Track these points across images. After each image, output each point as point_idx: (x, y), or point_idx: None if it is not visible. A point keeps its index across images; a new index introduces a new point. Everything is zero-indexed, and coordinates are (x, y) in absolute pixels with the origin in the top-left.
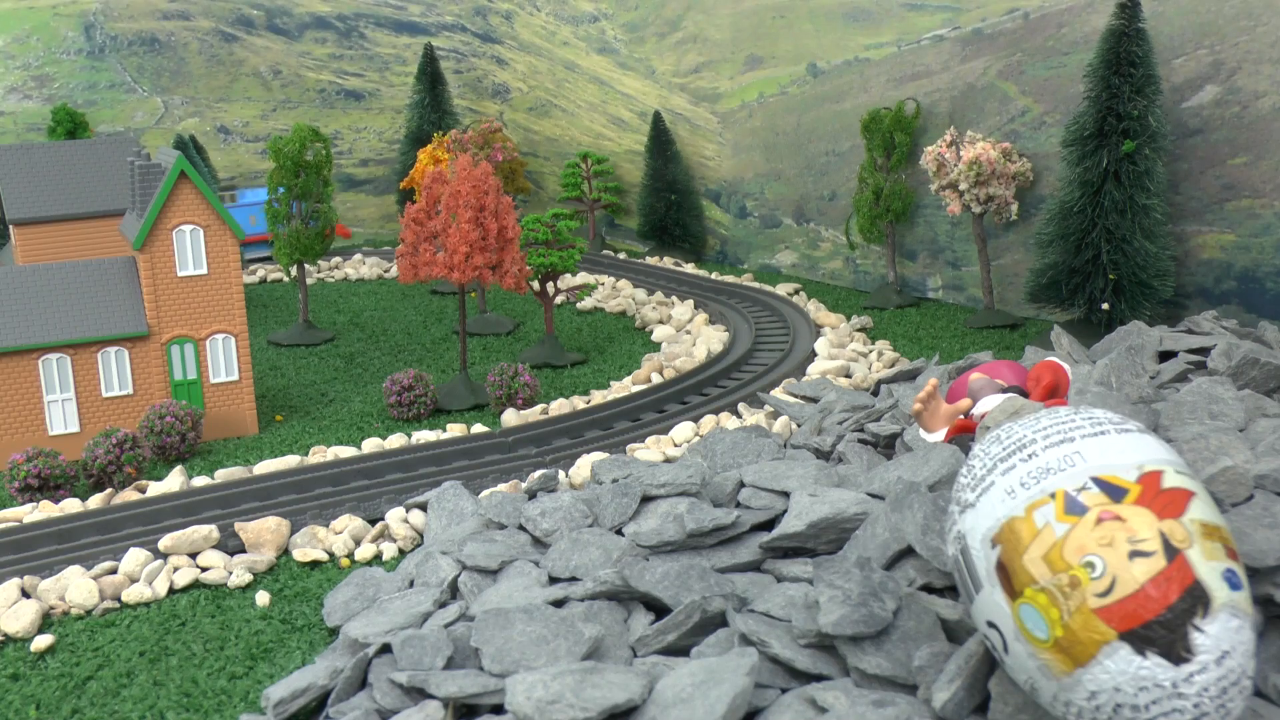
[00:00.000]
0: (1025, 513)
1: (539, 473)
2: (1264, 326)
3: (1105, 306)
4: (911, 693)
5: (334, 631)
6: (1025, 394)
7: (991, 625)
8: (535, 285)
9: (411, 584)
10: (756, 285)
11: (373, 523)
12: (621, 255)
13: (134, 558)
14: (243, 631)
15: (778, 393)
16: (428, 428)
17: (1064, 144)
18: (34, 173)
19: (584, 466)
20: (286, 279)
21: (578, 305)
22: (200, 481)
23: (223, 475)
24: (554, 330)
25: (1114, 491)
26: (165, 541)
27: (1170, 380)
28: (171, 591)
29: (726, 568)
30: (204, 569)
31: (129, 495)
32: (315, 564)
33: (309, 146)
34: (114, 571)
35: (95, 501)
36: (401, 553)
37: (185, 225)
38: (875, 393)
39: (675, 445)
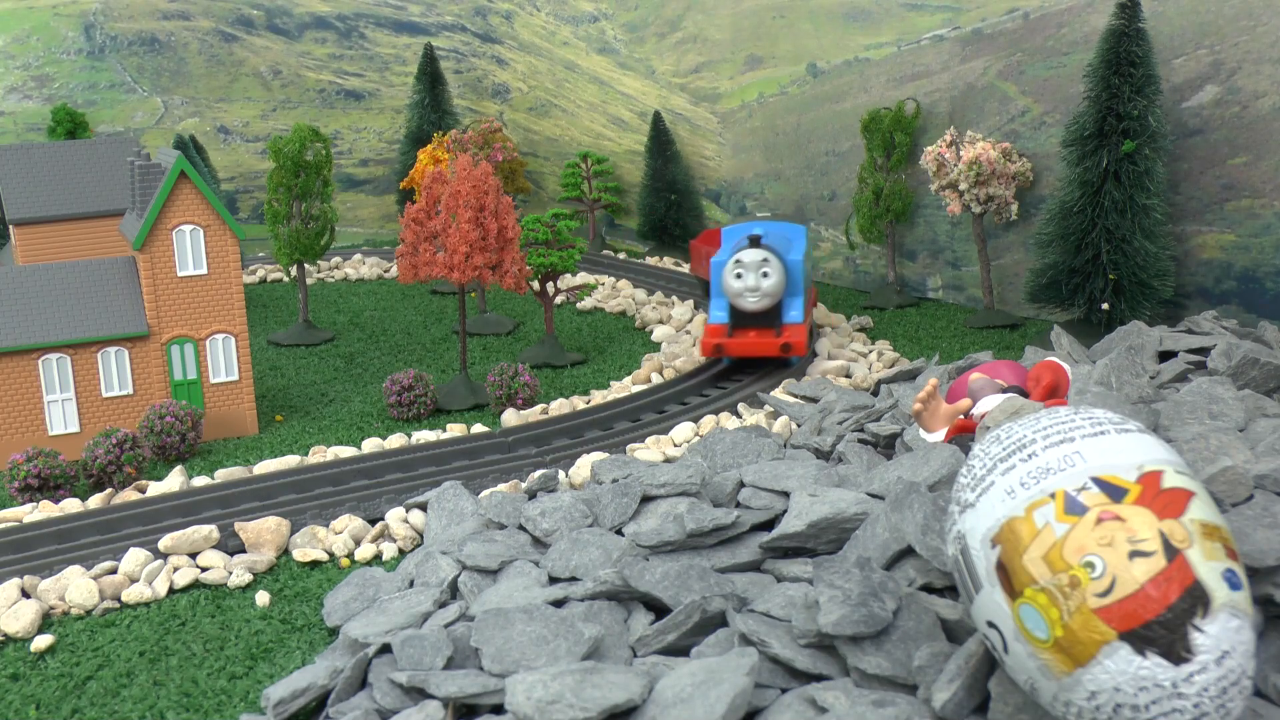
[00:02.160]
0: (1025, 513)
1: (539, 473)
2: (1264, 326)
3: (1105, 306)
4: (911, 693)
5: (334, 631)
6: (1025, 394)
7: (991, 625)
8: (535, 285)
9: (411, 584)
10: None
11: (373, 523)
12: (621, 255)
13: (134, 558)
14: (243, 631)
15: (778, 393)
16: (428, 428)
17: (1064, 144)
18: (34, 173)
19: (584, 466)
20: (286, 279)
21: (578, 305)
22: (200, 481)
23: (223, 475)
24: (554, 330)
25: (1114, 491)
26: (165, 541)
27: (1170, 380)
28: (171, 591)
29: (726, 568)
30: (204, 569)
31: (129, 495)
32: (315, 564)
33: (309, 146)
34: (114, 571)
35: (95, 501)
36: (401, 553)
37: (185, 225)
38: (875, 393)
39: (675, 445)
